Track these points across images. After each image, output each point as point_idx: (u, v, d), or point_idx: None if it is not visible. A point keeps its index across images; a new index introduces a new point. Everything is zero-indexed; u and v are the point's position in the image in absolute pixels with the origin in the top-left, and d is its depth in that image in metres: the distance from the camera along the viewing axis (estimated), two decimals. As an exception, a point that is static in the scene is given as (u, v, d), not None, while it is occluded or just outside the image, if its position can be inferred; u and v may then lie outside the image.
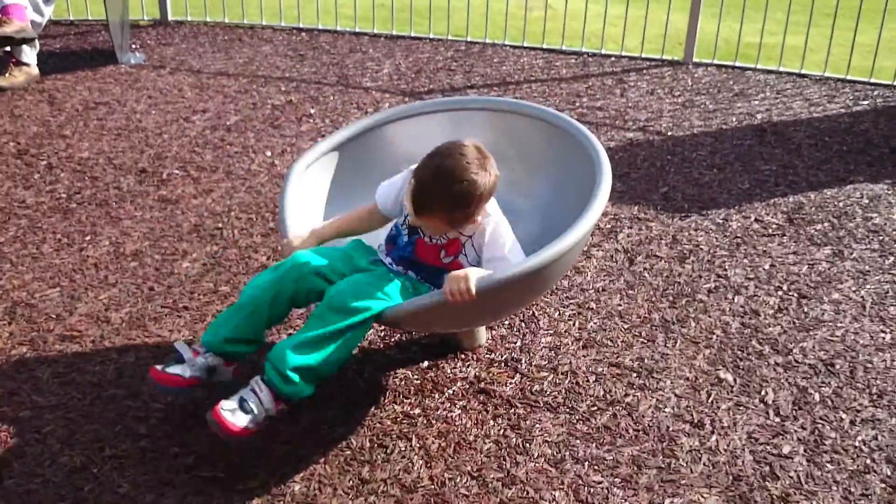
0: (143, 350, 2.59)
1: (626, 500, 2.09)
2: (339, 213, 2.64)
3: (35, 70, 4.79)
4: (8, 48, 4.69)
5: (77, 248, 3.13)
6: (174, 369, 2.21)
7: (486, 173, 2.16)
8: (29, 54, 4.76)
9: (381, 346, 2.64)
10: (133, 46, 5.39)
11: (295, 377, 2.08)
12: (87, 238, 3.20)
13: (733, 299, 2.90)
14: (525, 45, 5.61)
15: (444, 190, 2.13)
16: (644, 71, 5.19)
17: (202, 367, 2.22)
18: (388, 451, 2.22)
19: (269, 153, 3.95)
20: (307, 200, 2.61)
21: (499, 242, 2.27)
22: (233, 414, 2.05)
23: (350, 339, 2.14)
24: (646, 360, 2.59)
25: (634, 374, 2.52)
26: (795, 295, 2.93)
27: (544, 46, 5.58)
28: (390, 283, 2.21)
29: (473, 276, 2.07)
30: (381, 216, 2.46)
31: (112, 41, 5.16)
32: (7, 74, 4.68)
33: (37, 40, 4.82)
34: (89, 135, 4.11)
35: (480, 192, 2.15)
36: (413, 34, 5.77)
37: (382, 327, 2.67)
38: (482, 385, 2.46)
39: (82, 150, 3.95)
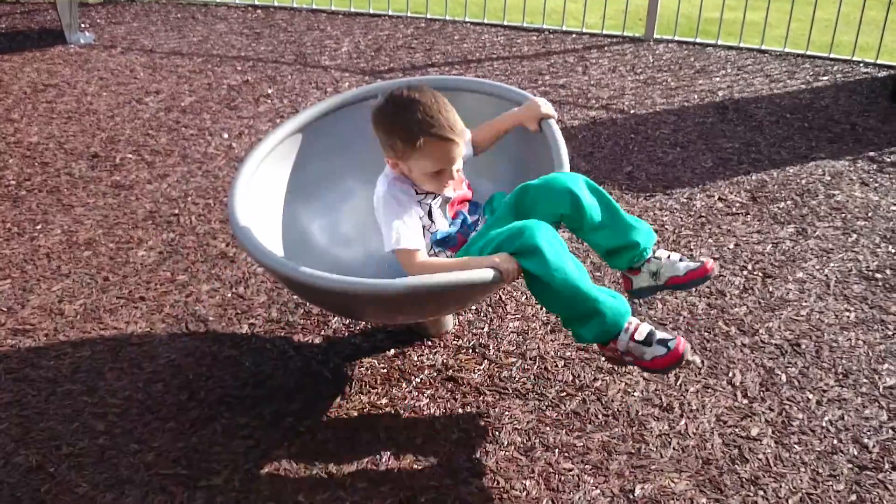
0: (98, 343, 2.51)
1: (596, 487, 2.07)
2: (301, 201, 2.56)
3: (-20, 51, 4.63)
4: (-50, 28, 4.52)
5: (28, 238, 3.02)
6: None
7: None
8: (-27, 34, 4.60)
9: (346, 334, 2.58)
10: (82, 26, 5.23)
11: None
12: (38, 227, 3.10)
13: (699, 280, 2.88)
14: (486, 21, 5.54)
15: (452, 109, 2.13)
16: (605, 48, 5.16)
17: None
18: (355, 444, 2.18)
19: (226, 135, 3.85)
20: (260, 198, 2.46)
21: None
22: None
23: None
24: (613, 344, 2.56)
25: (603, 359, 2.50)
26: (760, 274, 2.92)
27: (505, 23, 5.52)
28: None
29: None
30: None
31: (60, 20, 4.99)
32: (-50, 56, 4.51)
33: (-19, 20, 4.66)
34: (38, 118, 3.97)
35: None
36: (372, 11, 5.68)
37: (347, 319, 2.61)
38: (450, 373, 2.42)
39: (31, 134, 3.82)
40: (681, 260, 2.18)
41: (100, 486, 2.03)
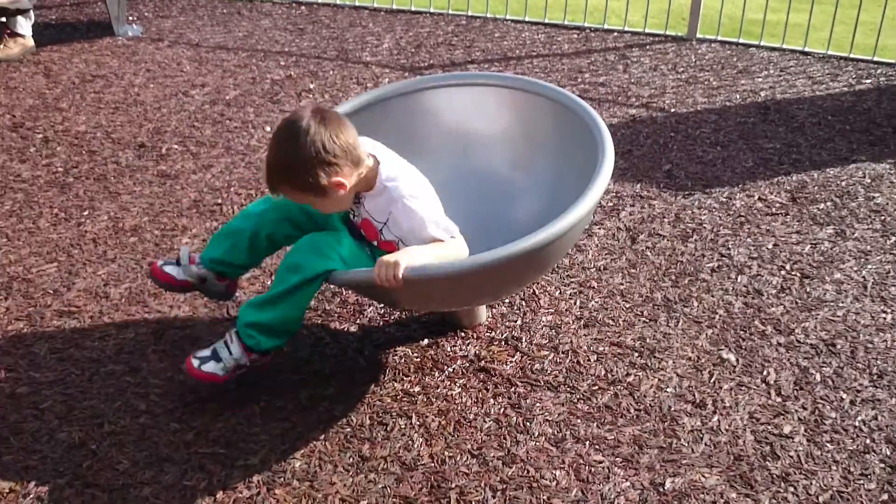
0: (142, 326, 2.57)
1: (626, 480, 2.08)
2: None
3: (30, 42, 4.74)
4: (3, 19, 4.64)
5: (75, 223, 3.11)
6: (170, 269, 2.37)
7: (316, 134, 2.02)
8: (24, 25, 4.71)
9: (381, 323, 2.62)
10: (130, 18, 5.33)
11: (252, 332, 2.19)
12: (85, 213, 3.18)
13: (736, 279, 2.88)
14: (527, 19, 5.56)
15: (280, 165, 2.07)
16: (647, 47, 5.15)
17: (194, 275, 2.36)
18: (388, 429, 2.21)
19: (268, 128, 3.91)
20: None
21: (414, 219, 2.17)
22: (202, 362, 2.19)
23: (300, 296, 2.16)
24: (648, 340, 2.58)
25: (636, 354, 2.51)
26: (798, 275, 2.91)
27: (546, 21, 5.53)
28: (349, 245, 2.19)
29: (403, 263, 2.03)
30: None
31: (109, 13, 5.10)
32: (2, 46, 4.63)
33: (32, 11, 4.77)
34: (86, 108, 4.07)
35: (309, 154, 2.02)
36: (413, 8, 5.72)
37: (382, 305, 2.66)
38: (482, 363, 2.45)
39: (79, 123, 3.91)
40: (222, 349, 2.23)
41: (140, 463, 2.09)
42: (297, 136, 2.02)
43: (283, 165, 2.06)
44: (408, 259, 2.06)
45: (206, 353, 2.22)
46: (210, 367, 2.19)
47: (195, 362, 2.19)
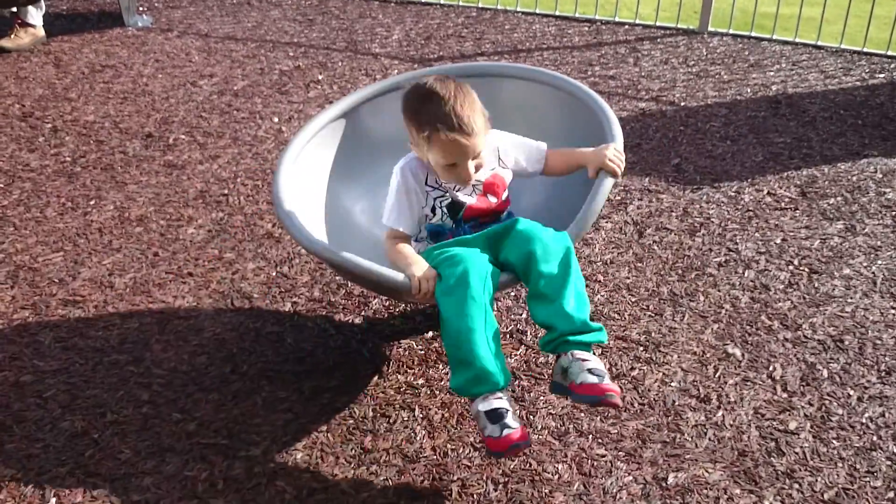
0: (146, 316, 2.57)
1: (629, 474, 2.07)
2: (344, 181, 2.61)
3: (41, 32, 4.75)
4: (14, 9, 4.65)
5: (81, 213, 3.11)
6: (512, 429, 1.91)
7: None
8: (35, 16, 4.72)
9: (386, 315, 2.61)
10: (140, 9, 5.34)
11: (592, 324, 1.99)
12: (92, 202, 3.18)
13: (744, 273, 2.86)
14: (537, 11, 5.53)
15: (472, 105, 2.12)
16: (658, 40, 5.12)
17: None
18: (391, 421, 2.21)
19: (276, 119, 3.91)
20: (303, 179, 2.52)
21: (516, 140, 2.36)
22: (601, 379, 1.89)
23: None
24: (653, 334, 2.56)
25: (641, 348, 2.50)
26: (806, 270, 2.89)
27: (557, 13, 5.50)
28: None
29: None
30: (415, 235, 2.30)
31: (119, 3, 5.10)
32: (12, 36, 4.64)
33: (43, 2, 4.78)
34: (95, 98, 4.07)
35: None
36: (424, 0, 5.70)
37: (386, 299, 2.65)
38: (487, 356, 2.44)
39: (88, 113, 3.91)
40: (591, 371, 1.90)
41: (142, 452, 2.08)
42: (471, 92, 2.15)
43: (479, 108, 2.14)
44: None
45: (593, 377, 1.89)
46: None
47: (607, 383, 1.89)
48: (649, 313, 2.65)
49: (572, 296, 1.99)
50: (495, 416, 1.89)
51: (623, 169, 2.25)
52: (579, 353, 1.95)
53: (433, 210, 2.24)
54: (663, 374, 2.40)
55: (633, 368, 2.41)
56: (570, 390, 1.93)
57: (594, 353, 1.97)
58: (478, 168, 2.18)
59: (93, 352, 2.42)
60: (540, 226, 2.08)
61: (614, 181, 2.26)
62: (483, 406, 1.91)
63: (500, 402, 1.91)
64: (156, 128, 3.78)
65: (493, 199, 2.28)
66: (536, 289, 2.01)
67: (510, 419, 1.88)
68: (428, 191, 2.22)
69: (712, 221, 3.17)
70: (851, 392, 2.35)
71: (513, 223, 2.11)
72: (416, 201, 2.22)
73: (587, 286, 2.76)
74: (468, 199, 2.24)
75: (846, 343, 2.54)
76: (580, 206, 2.21)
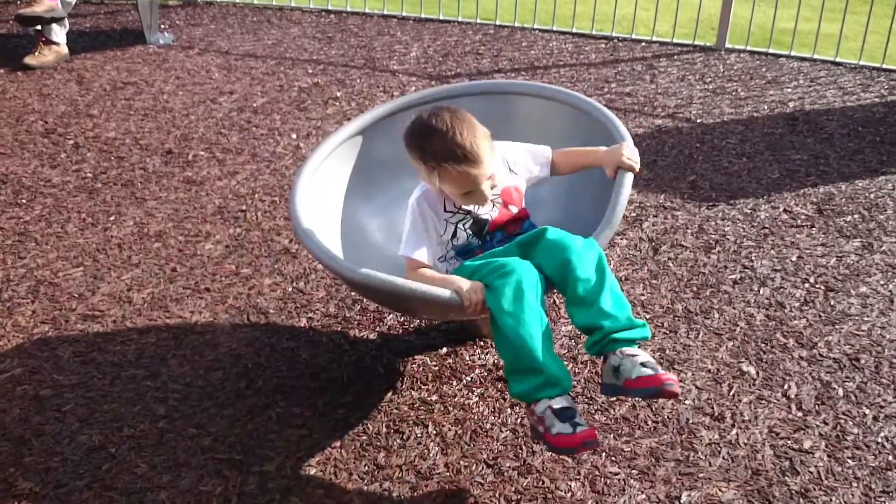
0: (163, 331, 2.60)
1: (642, 492, 2.07)
2: (360, 199, 2.63)
3: (64, 49, 4.82)
4: (38, 27, 4.72)
5: (101, 228, 3.15)
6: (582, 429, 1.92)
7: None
8: (58, 33, 4.79)
9: (400, 331, 2.63)
10: (162, 27, 5.40)
11: (636, 321, 2.02)
12: (112, 218, 3.22)
13: (759, 291, 2.85)
14: (554, 28, 5.56)
15: (473, 131, 2.13)
16: (675, 56, 5.12)
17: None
18: (405, 438, 2.22)
19: (294, 136, 3.95)
20: (320, 196, 2.55)
21: (521, 148, 2.39)
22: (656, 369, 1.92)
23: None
24: (667, 351, 2.56)
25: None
26: (822, 288, 2.88)
27: (574, 31, 5.52)
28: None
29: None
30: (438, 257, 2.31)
31: (141, 21, 5.17)
32: (36, 53, 4.71)
33: (66, 19, 4.85)
34: (116, 115, 4.13)
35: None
36: (442, 17, 5.73)
37: (401, 315, 2.66)
38: (500, 373, 2.45)
39: (109, 129, 3.97)
40: (644, 365, 1.92)
41: (157, 467, 2.11)
42: (467, 117, 2.17)
43: (481, 132, 2.15)
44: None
45: (644, 369, 1.92)
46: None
47: (667, 374, 1.90)
48: (664, 330, 2.65)
49: (610, 297, 2.01)
50: (567, 414, 1.90)
51: (640, 167, 2.27)
52: (628, 350, 1.97)
53: (454, 234, 2.25)
54: (677, 391, 2.39)
55: (646, 386, 2.41)
56: (625, 388, 1.94)
57: (642, 349, 1.99)
58: (493, 186, 2.19)
59: (111, 366, 2.45)
60: (569, 234, 2.10)
61: (633, 177, 2.29)
62: (555, 404, 1.92)
63: (569, 401, 1.94)
64: (175, 144, 3.83)
65: (513, 209, 2.30)
66: (575, 294, 2.02)
67: (579, 418, 1.91)
68: (447, 218, 2.24)
69: (728, 238, 3.17)
70: (867, 411, 2.34)
71: (541, 232, 2.12)
72: (434, 231, 2.24)
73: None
74: (490, 214, 2.26)
75: (862, 362, 2.53)
76: (597, 213, 2.23)
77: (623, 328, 1.99)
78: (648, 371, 1.91)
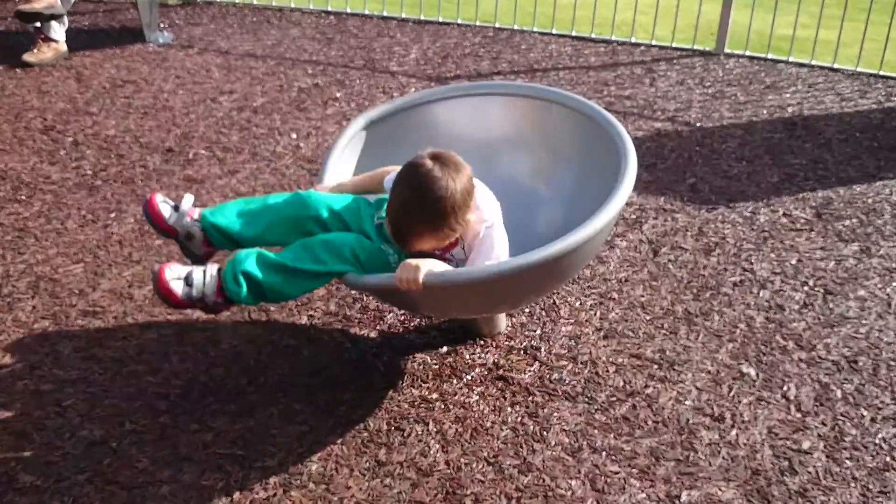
0: (164, 327, 2.60)
1: (642, 491, 2.08)
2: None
3: (63, 47, 4.82)
4: (37, 24, 4.72)
5: (101, 225, 3.15)
6: (166, 209, 2.29)
7: (453, 180, 2.08)
8: (57, 31, 4.79)
9: (401, 329, 2.63)
10: (161, 25, 5.40)
11: (242, 281, 2.13)
12: (112, 215, 3.22)
13: (758, 293, 2.87)
14: (554, 32, 5.57)
15: (418, 214, 2.10)
16: (674, 61, 5.14)
17: (184, 228, 2.29)
18: (405, 435, 2.22)
19: (294, 135, 3.95)
20: (341, 169, 2.61)
21: (486, 246, 2.21)
22: (175, 281, 2.13)
23: (305, 283, 2.17)
24: (667, 353, 2.57)
25: (655, 366, 2.51)
26: (821, 291, 2.89)
27: (573, 34, 5.54)
28: (373, 252, 2.19)
29: (424, 269, 2.04)
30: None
31: (141, 19, 5.17)
32: (35, 50, 4.71)
33: (66, 17, 4.85)
34: (116, 112, 4.13)
35: (454, 200, 2.08)
36: (441, 19, 5.75)
37: (402, 311, 2.67)
38: (501, 372, 2.46)
39: (109, 127, 3.97)
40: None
41: (159, 462, 2.11)
42: (434, 183, 2.07)
43: (431, 212, 2.09)
44: (430, 265, 2.07)
45: (181, 272, 2.16)
46: (177, 285, 2.14)
47: (168, 273, 2.13)
48: (664, 332, 2.66)
49: (269, 260, 2.17)
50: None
51: (408, 284, 2.06)
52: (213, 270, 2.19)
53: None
54: (677, 392, 2.40)
55: (647, 386, 2.42)
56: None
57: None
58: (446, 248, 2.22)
59: (112, 362, 2.45)
60: (335, 246, 2.18)
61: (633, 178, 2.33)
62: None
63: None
64: (176, 142, 3.83)
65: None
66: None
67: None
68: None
69: (727, 241, 3.18)
70: (865, 413, 2.35)
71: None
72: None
73: (601, 304, 2.78)
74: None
75: (860, 364, 2.54)
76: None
77: (232, 267, 2.14)
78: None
